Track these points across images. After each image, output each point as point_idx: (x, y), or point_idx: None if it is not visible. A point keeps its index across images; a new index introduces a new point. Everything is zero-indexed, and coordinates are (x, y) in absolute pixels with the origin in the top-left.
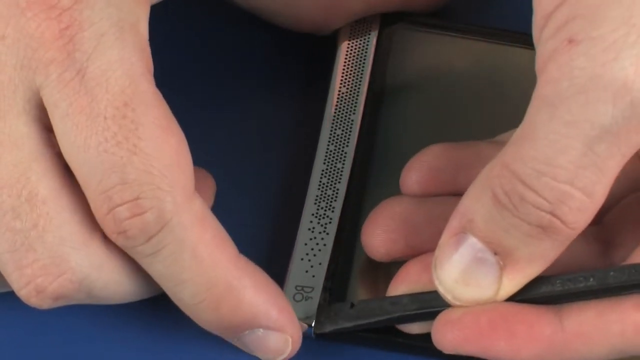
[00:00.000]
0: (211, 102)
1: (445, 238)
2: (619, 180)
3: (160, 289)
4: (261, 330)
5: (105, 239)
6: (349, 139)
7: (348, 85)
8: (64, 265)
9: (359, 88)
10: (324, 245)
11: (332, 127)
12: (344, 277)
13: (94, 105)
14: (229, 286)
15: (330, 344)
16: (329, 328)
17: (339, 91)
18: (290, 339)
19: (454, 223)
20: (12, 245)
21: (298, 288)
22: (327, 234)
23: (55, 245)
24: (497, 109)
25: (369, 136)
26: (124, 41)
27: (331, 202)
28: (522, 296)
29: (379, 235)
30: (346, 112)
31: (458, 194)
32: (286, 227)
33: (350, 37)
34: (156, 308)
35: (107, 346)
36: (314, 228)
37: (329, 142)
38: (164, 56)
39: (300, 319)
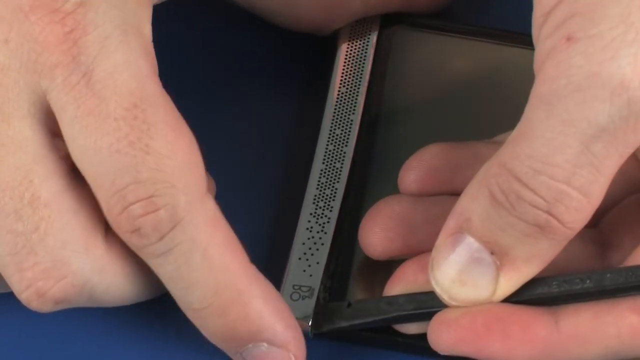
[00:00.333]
0: (211, 101)
1: (442, 238)
2: (616, 182)
3: (161, 291)
4: (265, 345)
5: (107, 242)
6: (348, 138)
7: (347, 85)
8: (65, 268)
9: (358, 88)
10: (322, 244)
11: (331, 126)
12: (344, 276)
13: (102, 107)
14: (238, 292)
15: (328, 343)
16: (326, 327)
17: (339, 91)
18: (293, 359)
19: (450, 223)
20: (13, 247)
21: (295, 287)
22: (325, 233)
23: (56, 249)
24: (496, 109)
25: (368, 136)
26: (128, 43)
27: (329, 201)
28: (518, 297)
29: (377, 234)
30: (345, 112)
31: (456, 194)
32: (284, 226)
33: (350, 38)
34: (157, 309)
35: (107, 346)
36: (312, 227)
37: (328, 141)
38: (163, 56)
39: (297, 319)
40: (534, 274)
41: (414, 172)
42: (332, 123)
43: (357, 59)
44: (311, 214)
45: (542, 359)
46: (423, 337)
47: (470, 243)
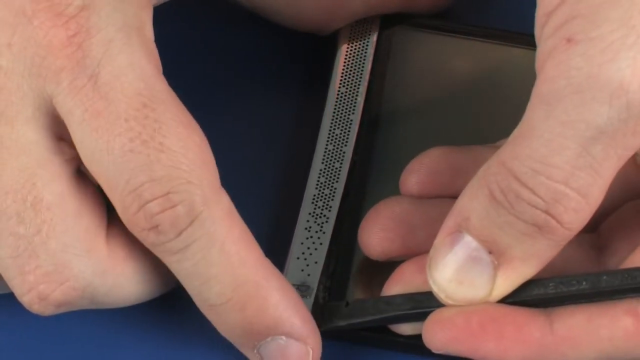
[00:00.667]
0: (211, 101)
1: (440, 237)
2: (616, 188)
3: (162, 291)
4: (283, 338)
5: (109, 245)
6: (347, 138)
7: (347, 85)
8: (67, 272)
9: (358, 88)
10: (320, 244)
11: (331, 126)
12: (344, 276)
13: (112, 108)
14: (256, 286)
15: (327, 343)
16: (323, 326)
17: (339, 91)
18: (311, 352)
19: (449, 222)
20: (15, 250)
21: (294, 287)
22: (324, 233)
23: (58, 252)
24: (496, 109)
25: (368, 136)
26: (132, 45)
27: (328, 201)
28: (515, 298)
29: (376, 234)
30: (345, 112)
31: (456, 197)
32: (283, 226)
33: (350, 38)
34: (159, 311)
35: (107, 347)
36: (310, 227)
37: (328, 141)
38: (164, 56)
39: None
40: (532, 275)
41: (415, 175)
42: (331, 123)
43: (357, 59)
44: (310, 213)
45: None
46: (420, 336)
47: (468, 242)
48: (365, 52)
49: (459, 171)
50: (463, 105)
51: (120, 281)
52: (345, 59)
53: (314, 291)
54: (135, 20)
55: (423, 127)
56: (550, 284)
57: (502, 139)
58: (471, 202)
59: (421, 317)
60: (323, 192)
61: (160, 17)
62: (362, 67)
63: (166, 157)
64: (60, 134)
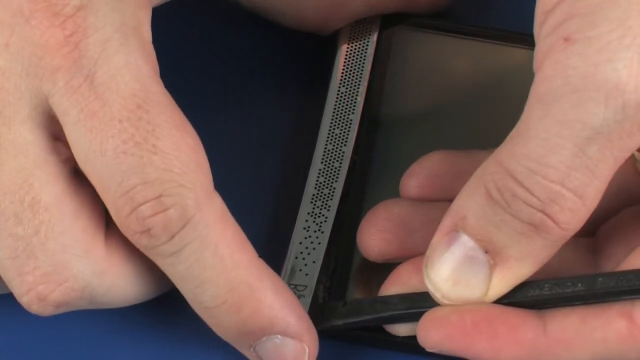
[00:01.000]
0: (210, 101)
1: (437, 237)
2: (615, 193)
3: (160, 291)
4: (279, 337)
5: (107, 245)
6: (347, 138)
7: (347, 85)
8: (66, 272)
9: (358, 88)
10: (319, 244)
11: (330, 126)
12: (344, 276)
13: (106, 109)
14: (250, 288)
15: (327, 343)
16: (320, 326)
17: (339, 91)
18: (307, 349)
19: (446, 221)
20: (13, 251)
21: (292, 286)
22: (322, 232)
23: (57, 253)
24: (496, 109)
25: (368, 136)
26: (129, 46)
27: (327, 200)
28: (510, 299)
29: (374, 235)
30: (345, 112)
31: None
32: (282, 225)
33: (350, 38)
34: (158, 310)
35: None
36: (309, 227)
37: (327, 141)
38: (164, 55)
39: None
40: (527, 276)
41: (415, 179)
42: (331, 123)
43: (357, 59)
44: (309, 213)
45: None
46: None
47: (465, 242)
48: (365, 52)
49: (459, 175)
50: (463, 106)
51: (119, 281)
52: (345, 59)
53: (312, 291)
54: (133, 20)
55: (423, 127)
56: (546, 286)
57: (501, 139)
58: (468, 201)
59: (417, 317)
60: (322, 192)
61: (160, 17)
62: (362, 67)
63: (159, 160)
64: (56, 134)
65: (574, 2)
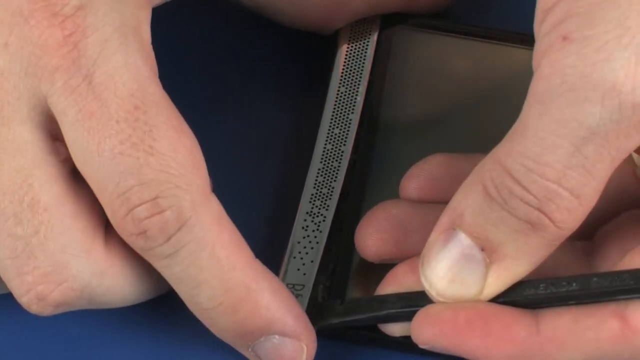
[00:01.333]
0: (210, 101)
1: (434, 235)
2: (614, 197)
3: (160, 291)
4: (277, 337)
5: (107, 245)
6: (346, 138)
7: (347, 85)
8: (65, 272)
9: (358, 88)
10: (317, 243)
11: (330, 125)
12: (344, 276)
13: (104, 109)
14: (247, 289)
15: (325, 342)
16: (317, 324)
17: (338, 91)
18: (305, 348)
19: (444, 219)
20: (13, 251)
21: (289, 286)
22: (321, 232)
23: (56, 253)
24: (496, 109)
25: (367, 136)
26: (128, 46)
27: (326, 200)
28: (505, 298)
29: (371, 235)
30: (344, 112)
31: None
32: (281, 225)
33: (350, 38)
34: (158, 310)
35: (105, 347)
36: (307, 226)
37: (327, 141)
38: (163, 55)
39: None
40: (523, 275)
41: (415, 181)
42: (331, 122)
43: (357, 59)
44: (307, 212)
45: (518, 359)
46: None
47: (461, 239)
48: (365, 52)
49: (459, 178)
50: (463, 106)
51: (118, 282)
52: (345, 58)
53: (310, 290)
54: (132, 21)
55: (422, 127)
56: (541, 285)
57: (501, 139)
58: (465, 199)
59: (413, 315)
60: (321, 191)
61: (160, 17)
62: (362, 67)
63: (155, 161)
64: (55, 134)
65: (574, 1)
